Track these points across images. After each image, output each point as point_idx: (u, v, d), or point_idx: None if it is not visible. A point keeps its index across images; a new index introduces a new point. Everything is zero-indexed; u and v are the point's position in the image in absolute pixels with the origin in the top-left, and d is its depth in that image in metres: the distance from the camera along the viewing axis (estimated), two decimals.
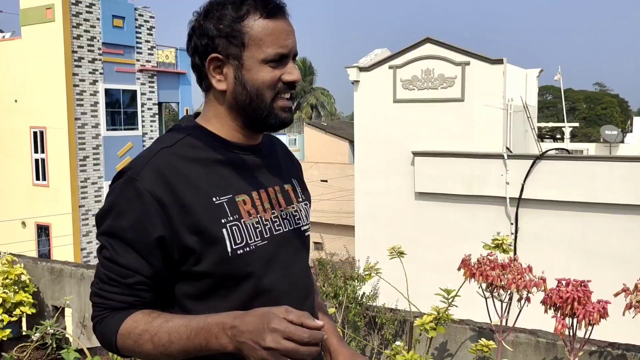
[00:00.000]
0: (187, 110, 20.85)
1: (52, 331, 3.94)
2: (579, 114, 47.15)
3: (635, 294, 1.79)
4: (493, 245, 1.93)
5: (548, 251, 10.51)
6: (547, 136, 25.40)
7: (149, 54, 19.54)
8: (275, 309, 1.03)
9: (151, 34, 19.64)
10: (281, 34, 1.20)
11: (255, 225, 1.23)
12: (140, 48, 19.29)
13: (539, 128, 19.59)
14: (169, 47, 20.55)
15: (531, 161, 10.97)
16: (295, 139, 35.50)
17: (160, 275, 1.18)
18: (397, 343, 2.27)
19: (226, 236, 1.17)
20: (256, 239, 1.22)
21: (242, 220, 1.21)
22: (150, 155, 1.19)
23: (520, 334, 2.33)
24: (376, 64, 13.05)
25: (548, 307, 1.77)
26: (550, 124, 28.39)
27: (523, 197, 11.02)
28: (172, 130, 1.29)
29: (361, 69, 13.11)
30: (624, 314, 1.77)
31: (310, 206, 1.44)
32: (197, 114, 1.33)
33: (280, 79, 1.22)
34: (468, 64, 12.61)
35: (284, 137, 34.02)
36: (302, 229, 1.36)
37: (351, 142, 25.43)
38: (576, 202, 10.60)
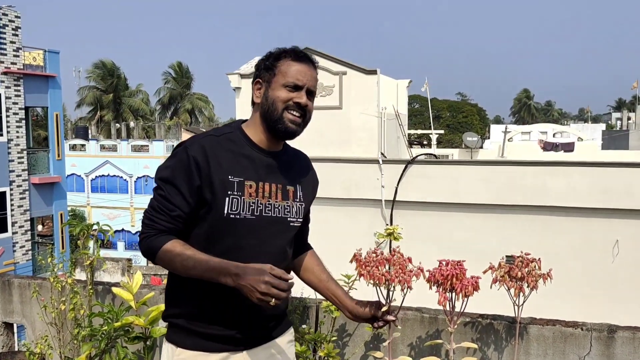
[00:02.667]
0: (56, 115, 19.67)
1: None
2: (443, 122, 50.52)
3: (499, 270, 2.20)
4: (386, 234, 2.25)
5: (420, 249, 11.30)
6: (415, 142, 27.03)
7: (15, 56, 18.21)
8: (265, 266, 1.57)
9: (17, 35, 18.32)
10: (300, 72, 1.79)
11: (251, 204, 1.75)
12: (4, 49, 17.94)
13: (409, 135, 20.88)
14: (37, 48, 19.28)
15: (403, 166, 11.75)
16: (173, 145, 34.66)
17: (192, 213, 1.71)
18: (303, 326, 2.52)
19: (226, 203, 1.70)
20: (247, 213, 1.74)
21: (242, 198, 1.74)
22: (202, 136, 1.77)
23: (408, 312, 2.69)
24: None
25: (432, 283, 2.12)
26: (419, 131, 30.25)
27: (397, 199, 11.78)
28: (225, 126, 1.87)
29: (243, 76, 13.27)
30: (491, 287, 2.16)
31: (305, 207, 1.92)
32: (244, 120, 1.88)
33: (291, 99, 1.78)
34: (345, 73, 13.22)
35: (161, 143, 33.07)
36: (288, 219, 1.85)
37: None
38: (443, 202, 11.52)
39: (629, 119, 43.96)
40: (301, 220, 1.92)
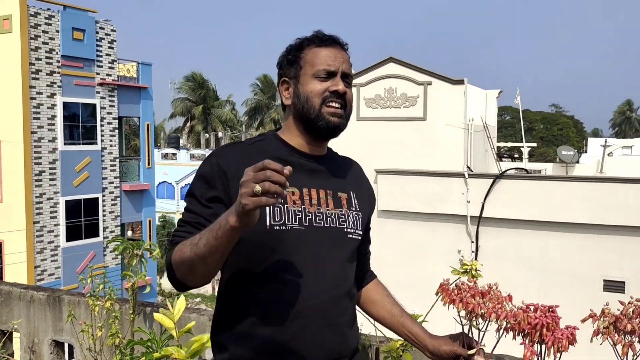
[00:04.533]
0: (147, 125, 20.50)
1: None
2: (536, 134, 48.48)
3: (602, 319, 1.78)
4: (462, 270, 1.90)
5: (508, 269, 10.65)
6: (505, 155, 25.95)
7: (110, 68, 19.18)
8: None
9: (112, 47, 19.30)
10: (329, 57, 1.52)
11: (297, 213, 1.46)
12: (101, 61, 18.93)
13: (498, 147, 20.00)
14: (131, 61, 20.23)
15: (491, 180, 11.14)
16: None
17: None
18: None
19: (267, 213, 1.41)
20: (294, 223, 1.44)
21: (285, 206, 1.44)
22: (231, 144, 1.55)
23: None
24: None
25: (517, 333, 1.74)
26: (509, 144, 29.05)
27: (483, 215, 11.17)
28: (258, 135, 1.62)
29: None
30: (591, 341, 1.75)
31: (363, 218, 1.61)
32: (279, 128, 1.63)
33: (327, 89, 1.50)
34: (430, 83, 12.79)
35: None
36: (345, 230, 1.53)
37: None
38: (534, 220, 10.80)
39: None
40: (360, 233, 1.59)
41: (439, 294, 2.07)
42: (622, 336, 1.74)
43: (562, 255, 10.65)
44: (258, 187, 1.15)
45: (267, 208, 1.40)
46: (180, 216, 1.51)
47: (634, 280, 10.23)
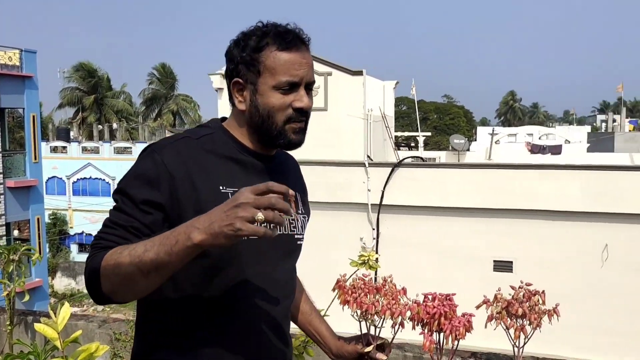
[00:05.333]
0: (33, 116, 19.13)
1: None
2: (430, 124, 50.52)
3: (495, 304, 1.84)
4: (360, 262, 1.89)
5: (407, 253, 11.02)
6: (403, 144, 26.83)
7: None
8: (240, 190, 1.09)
9: None
10: (293, 65, 1.33)
11: None
12: None
13: (396, 137, 20.62)
14: (13, 48, 18.72)
15: (390, 169, 11.46)
16: None
17: (155, 231, 1.22)
18: None
19: None
20: None
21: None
22: (175, 139, 1.34)
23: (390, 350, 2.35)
24: None
25: (416, 323, 1.76)
26: (406, 133, 30.06)
27: (383, 203, 11.48)
28: (200, 127, 1.45)
29: (225, 76, 12.96)
30: (486, 326, 1.80)
31: (308, 220, 1.54)
32: (223, 118, 1.47)
33: (290, 105, 1.34)
34: (330, 74, 12.92)
35: (144, 145, 32.58)
36: (296, 236, 1.46)
37: None
38: (431, 206, 11.24)
39: (614, 121, 44.06)
40: (304, 236, 1.52)
41: (335, 289, 2.05)
42: (514, 320, 1.81)
43: (457, 238, 11.18)
44: (261, 215, 1.04)
45: None
46: (108, 215, 1.29)
47: (521, 260, 10.95)
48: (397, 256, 10.50)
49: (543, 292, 1.83)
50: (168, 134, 34.58)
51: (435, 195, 11.27)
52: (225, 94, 12.85)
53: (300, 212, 1.48)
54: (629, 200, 10.51)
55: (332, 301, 2.20)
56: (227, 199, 1.16)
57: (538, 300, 1.81)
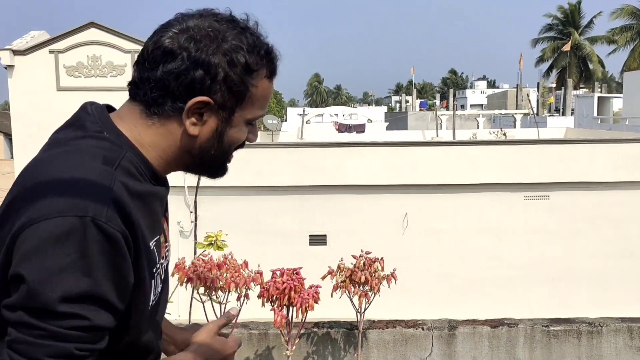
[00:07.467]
0: None
1: None
2: None
3: (339, 274, 1.94)
4: (206, 242, 1.85)
5: (228, 234, 11.03)
6: None
7: None
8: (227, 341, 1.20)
9: None
10: (268, 98, 1.12)
11: (160, 271, 1.09)
12: None
13: None
14: None
15: None
16: None
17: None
18: None
19: (152, 287, 1.04)
20: (159, 286, 1.10)
21: (163, 265, 1.09)
22: (108, 185, 0.94)
23: (234, 329, 2.34)
24: (34, 47, 11.70)
25: (265, 300, 1.79)
26: None
27: (200, 185, 11.30)
28: (100, 139, 1.03)
29: (16, 52, 11.61)
30: (332, 295, 1.89)
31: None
32: (109, 108, 1.13)
33: (246, 138, 1.13)
34: (137, 51, 12.26)
35: None
36: (169, 276, 1.23)
37: (6, 135, 22.40)
38: (247, 186, 11.37)
39: (406, 101, 48.55)
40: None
41: (174, 274, 2.00)
42: (358, 287, 1.93)
43: (274, 216, 11.47)
44: None
45: (154, 281, 1.05)
46: (64, 340, 0.89)
47: (333, 233, 11.63)
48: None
49: (382, 258, 1.97)
50: None
51: (251, 175, 11.41)
52: (16, 71, 11.54)
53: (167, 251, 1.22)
54: (422, 173, 11.71)
55: (175, 289, 2.13)
56: (154, 255, 1.03)
57: (378, 267, 1.95)
